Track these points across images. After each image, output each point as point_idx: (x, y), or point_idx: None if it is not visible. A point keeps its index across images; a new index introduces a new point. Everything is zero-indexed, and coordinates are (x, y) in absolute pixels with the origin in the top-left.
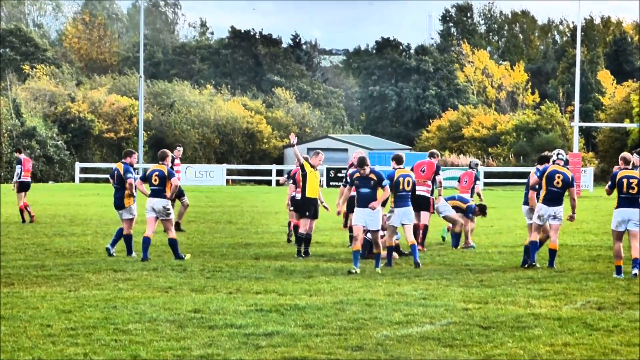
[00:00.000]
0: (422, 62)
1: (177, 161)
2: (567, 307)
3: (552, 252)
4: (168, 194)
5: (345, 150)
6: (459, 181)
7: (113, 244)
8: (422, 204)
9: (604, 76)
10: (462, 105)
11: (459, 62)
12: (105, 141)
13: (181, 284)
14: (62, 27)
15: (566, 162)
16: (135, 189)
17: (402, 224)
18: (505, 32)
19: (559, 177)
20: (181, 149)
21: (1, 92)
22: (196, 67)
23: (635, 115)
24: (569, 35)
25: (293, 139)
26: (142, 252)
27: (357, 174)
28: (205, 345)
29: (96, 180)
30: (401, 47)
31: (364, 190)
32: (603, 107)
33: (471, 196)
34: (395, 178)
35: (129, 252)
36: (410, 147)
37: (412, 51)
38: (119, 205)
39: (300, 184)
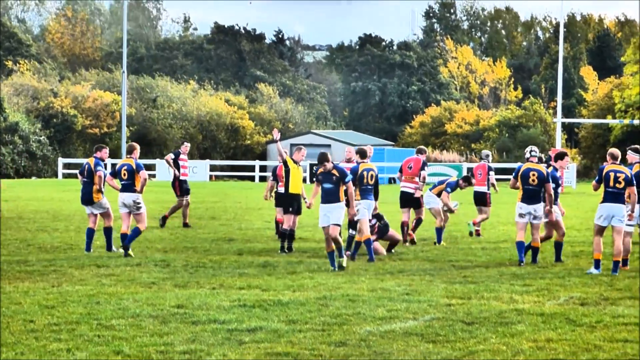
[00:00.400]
0: (406, 58)
1: (184, 157)
2: (550, 303)
3: (535, 250)
4: (138, 187)
5: (329, 146)
6: (472, 175)
7: (88, 247)
8: (410, 200)
9: (587, 72)
10: (445, 100)
11: (442, 57)
12: (88, 136)
13: (164, 279)
14: (45, 23)
15: (548, 159)
16: (104, 182)
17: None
18: (488, 29)
19: (533, 175)
20: (188, 144)
21: None
22: (179, 63)
23: (617, 111)
24: (551, 31)
25: (276, 135)
26: (122, 249)
27: (321, 169)
28: (189, 340)
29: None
30: (384, 43)
31: (327, 185)
32: (585, 103)
33: (487, 188)
34: (359, 172)
35: (109, 247)
36: (393, 143)
37: (395, 47)
38: (88, 200)
39: (283, 179)
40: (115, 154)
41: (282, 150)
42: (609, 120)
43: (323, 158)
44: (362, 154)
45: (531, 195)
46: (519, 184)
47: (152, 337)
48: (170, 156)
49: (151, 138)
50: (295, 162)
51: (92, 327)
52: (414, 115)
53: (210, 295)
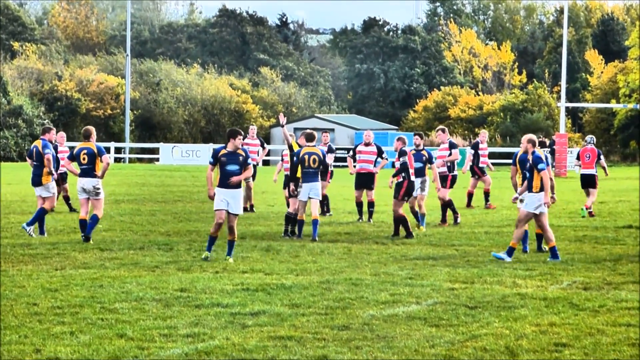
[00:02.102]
0: (410, 41)
1: (249, 140)
2: (553, 287)
3: (540, 237)
4: (99, 172)
5: (332, 130)
6: (578, 158)
7: (41, 230)
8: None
9: (592, 56)
10: (449, 85)
11: (446, 41)
12: (92, 120)
13: (168, 263)
14: (49, 6)
15: (552, 144)
16: (55, 165)
17: (310, 198)
18: (491, 12)
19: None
20: (254, 127)
21: None
22: (183, 46)
23: (621, 95)
24: (555, 15)
25: (282, 119)
26: (81, 233)
27: (224, 151)
28: (192, 324)
29: None
30: (387, 27)
31: (232, 167)
32: (590, 88)
33: (595, 171)
34: (300, 155)
35: (41, 230)
36: (397, 127)
37: (399, 31)
38: (37, 182)
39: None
40: (119, 137)
41: (288, 134)
42: (612, 105)
43: (231, 134)
44: (308, 137)
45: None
46: (518, 170)
47: (156, 321)
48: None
49: (155, 122)
50: (300, 146)
51: (95, 310)
52: (417, 100)
53: (214, 279)
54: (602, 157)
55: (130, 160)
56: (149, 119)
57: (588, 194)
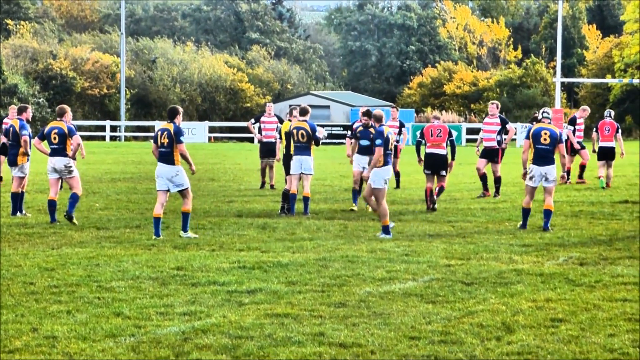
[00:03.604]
0: (406, 18)
1: (266, 118)
2: (549, 263)
3: (548, 213)
4: (69, 152)
5: (327, 107)
6: (597, 131)
7: (20, 209)
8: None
9: (589, 31)
10: (443, 61)
11: (441, 18)
12: (87, 98)
13: (164, 241)
14: None
15: (573, 120)
16: (31, 146)
17: (302, 173)
18: None
19: (545, 134)
20: (271, 105)
21: None
22: (178, 25)
23: (617, 70)
24: None
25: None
26: (49, 215)
27: (161, 125)
28: (189, 302)
29: None
30: (382, 4)
31: (162, 149)
32: (585, 63)
33: (614, 143)
34: (289, 129)
35: (14, 211)
36: (392, 104)
37: (394, 8)
38: (13, 162)
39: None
40: (114, 115)
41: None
42: (608, 80)
43: (171, 113)
44: (301, 111)
45: (542, 156)
46: (530, 144)
47: (152, 299)
48: (251, 121)
49: (151, 100)
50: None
51: (92, 289)
52: (411, 77)
53: (210, 257)
54: (620, 131)
55: (126, 139)
56: (145, 97)
57: (605, 166)
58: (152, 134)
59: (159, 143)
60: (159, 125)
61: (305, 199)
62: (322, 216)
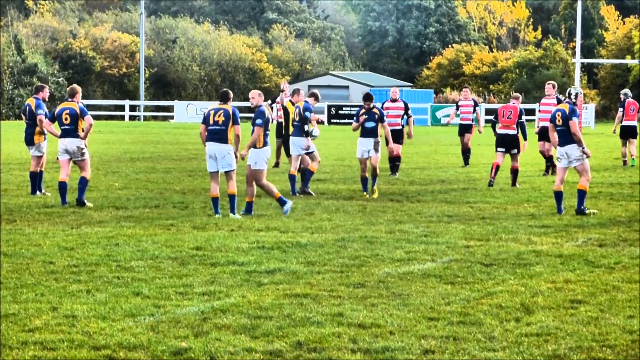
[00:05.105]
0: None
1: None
2: (568, 244)
3: (579, 193)
4: (81, 133)
5: (347, 87)
6: (623, 109)
7: (39, 188)
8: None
9: (609, 11)
10: (463, 42)
11: None
12: (107, 78)
13: (183, 221)
14: None
15: (623, 103)
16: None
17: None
18: None
19: (559, 115)
20: (286, 84)
21: (2, 28)
22: (197, 4)
23: (636, 51)
24: None
25: (284, 85)
26: (60, 197)
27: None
28: (208, 282)
29: (97, 118)
30: None
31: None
32: (605, 44)
33: (636, 122)
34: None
35: (33, 190)
36: (411, 84)
37: None
38: (29, 141)
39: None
40: (134, 95)
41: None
42: (627, 61)
43: (225, 95)
44: (313, 95)
45: (560, 136)
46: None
47: (171, 279)
48: (267, 103)
49: (170, 79)
50: (293, 104)
51: (111, 268)
52: (430, 57)
53: (229, 237)
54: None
55: (145, 118)
56: (164, 76)
57: (625, 144)
58: (171, 114)
59: (212, 121)
60: (209, 107)
61: (306, 173)
62: (341, 196)
